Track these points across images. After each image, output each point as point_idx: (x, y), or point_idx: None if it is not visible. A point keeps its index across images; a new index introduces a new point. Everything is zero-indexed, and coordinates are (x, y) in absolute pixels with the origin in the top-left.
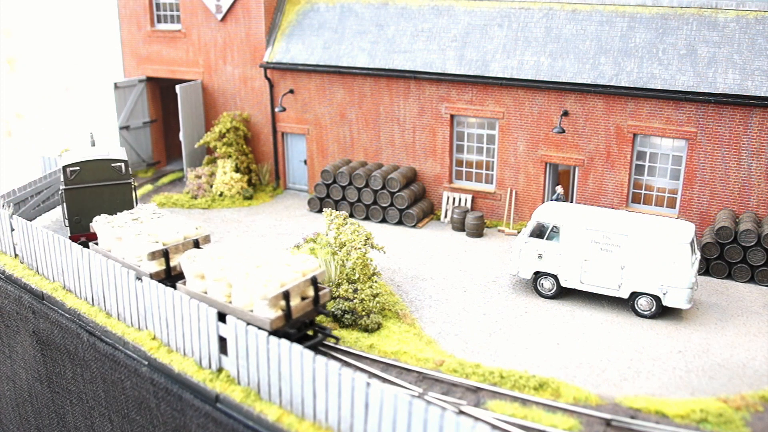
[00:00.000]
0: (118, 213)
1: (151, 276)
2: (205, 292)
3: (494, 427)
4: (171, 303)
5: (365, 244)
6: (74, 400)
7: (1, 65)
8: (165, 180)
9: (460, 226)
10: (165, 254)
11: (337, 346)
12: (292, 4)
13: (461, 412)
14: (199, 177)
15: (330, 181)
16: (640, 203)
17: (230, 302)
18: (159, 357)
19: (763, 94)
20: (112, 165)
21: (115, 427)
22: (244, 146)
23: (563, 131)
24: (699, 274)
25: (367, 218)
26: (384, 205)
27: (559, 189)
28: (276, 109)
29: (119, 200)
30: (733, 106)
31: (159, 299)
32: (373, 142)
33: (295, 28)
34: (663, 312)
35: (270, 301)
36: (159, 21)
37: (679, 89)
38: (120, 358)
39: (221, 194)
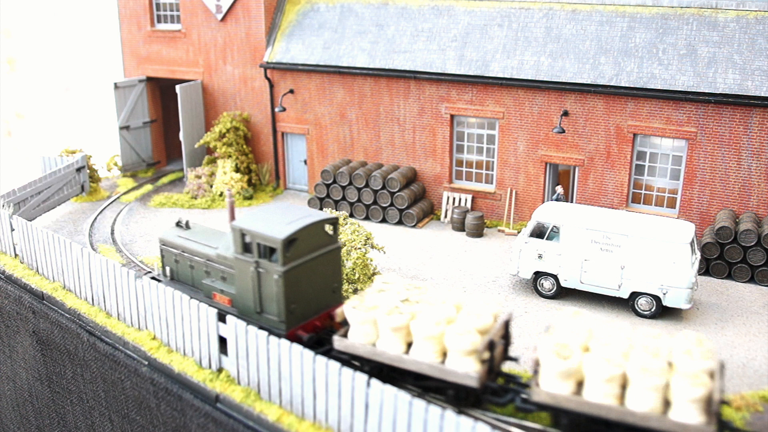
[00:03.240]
0: (365, 290)
1: (472, 379)
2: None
3: (494, 427)
4: (171, 303)
5: (365, 244)
6: (74, 400)
7: (1, 65)
8: (165, 180)
9: (460, 226)
10: (491, 346)
11: None
12: (292, 4)
13: (461, 412)
14: (199, 177)
15: (330, 181)
16: (640, 203)
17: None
18: (159, 357)
19: (763, 94)
20: (325, 226)
21: (115, 427)
22: (244, 146)
23: (563, 131)
24: (699, 274)
25: (367, 218)
26: (384, 205)
27: (559, 189)
28: (276, 109)
29: (330, 271)
30: (733, 106)
31: (159, 299)
32: (373, 142)
33: (295, 28)
34: (663, 312)
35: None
36: (159, 21)
37: (679, 89)
38: (120, 358)
39: (221, 194)
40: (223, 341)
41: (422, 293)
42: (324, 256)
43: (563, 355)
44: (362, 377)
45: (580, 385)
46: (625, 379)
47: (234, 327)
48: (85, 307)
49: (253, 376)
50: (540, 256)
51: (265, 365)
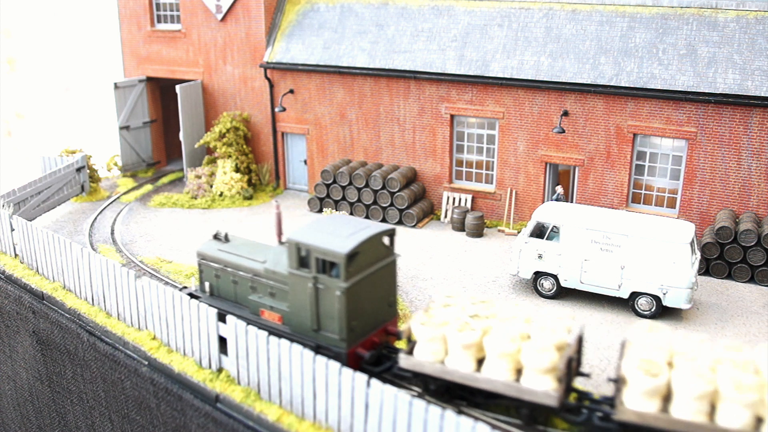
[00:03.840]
0: (434, 303)
1: (551, 398)
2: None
3: (494, 427)
4: (171, 303)
5: None
6: (74, 399)
7: (1, 65)
8: (165, 180)
9: (460, 226)
10: (569, 363)
11: None
12: (292, 4)
13: (461, 412)
14: (199, 177)
15: (330, 181)
16: (640, 203)
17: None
18: (159, 357)
19: (763, 94)
20: (384, 238)
21: (116, 427)
22: (244, 146)
23: (563, 131)
24: (699, 274)
25: (367, 218)
26: (384, 205)
27: (559, 189)
28: (276, 109)
29: (387, 284)
30: (733, 106)
31: (159, 299)
32: (373, 142)
33: (295, 28)
34: (663, 312)
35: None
36: (159, 21)
37: (679, 89)
38: (120, 358)
39: (221, 194)
40: (223, 341)
41: (489, 307)
42: (382, 269)
43: (651, 372)
44: (362, 377)
45: (665, 402)
46: (716, 395)
47: (234, 327)
48: (85, 307)
49: (253, 376)
50: (540, 256)
51: (265, 365)
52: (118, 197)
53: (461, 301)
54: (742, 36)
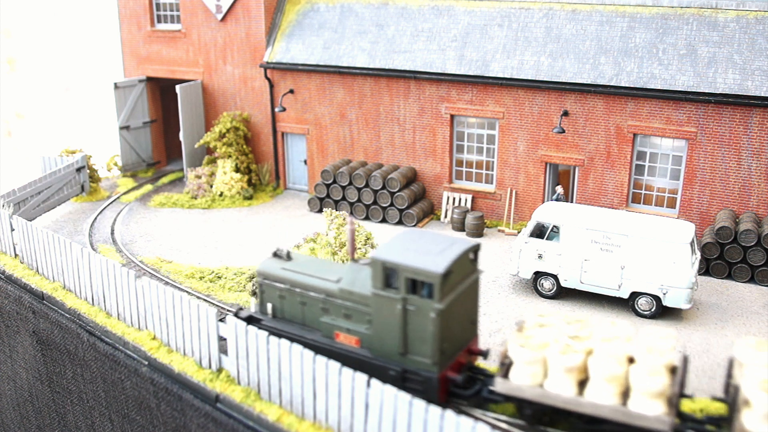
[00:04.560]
0: (526, 322)
1: (663, 424)
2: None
3: (494, 427)
4: (171, 303)
5: (365, 244)
6: (74, 399)
7: (1, 65)
8: (165, 180)
9: (460, 226)
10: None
11: None
12: (292, 4)
13: (461, 412)
14: (199, 177)
15: (330, 181)
16: (640, 203)
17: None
18: (159, 357)
19: (763, 94)
20: (471, 255)
21: (116, 427)
22: (244, 146)
23: (563, 131)
24: (699, 274)
25: (367, 218)
26: (384, 205)
27: (559, 189)
28: (276, 109)
29: (471, 302)
30: (733, 106)
31: (159, 299)
32: (373, 142)
33: (295, 28)
34: (663, 312)
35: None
36: (159, 21)
37: (679, 89)
38: (120, 358)
39: (221, 194)
40: (223, 341)
41: (585, 327)
42: (469, 286)
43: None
44: (362, 377)
45: None
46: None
47: (234, 327)
48: (85, 307)
49: (253, 376)
50: (540, 256)
51: (265, 365)
52: (118, 197)
53: (554, 320)
54: (742, 36)
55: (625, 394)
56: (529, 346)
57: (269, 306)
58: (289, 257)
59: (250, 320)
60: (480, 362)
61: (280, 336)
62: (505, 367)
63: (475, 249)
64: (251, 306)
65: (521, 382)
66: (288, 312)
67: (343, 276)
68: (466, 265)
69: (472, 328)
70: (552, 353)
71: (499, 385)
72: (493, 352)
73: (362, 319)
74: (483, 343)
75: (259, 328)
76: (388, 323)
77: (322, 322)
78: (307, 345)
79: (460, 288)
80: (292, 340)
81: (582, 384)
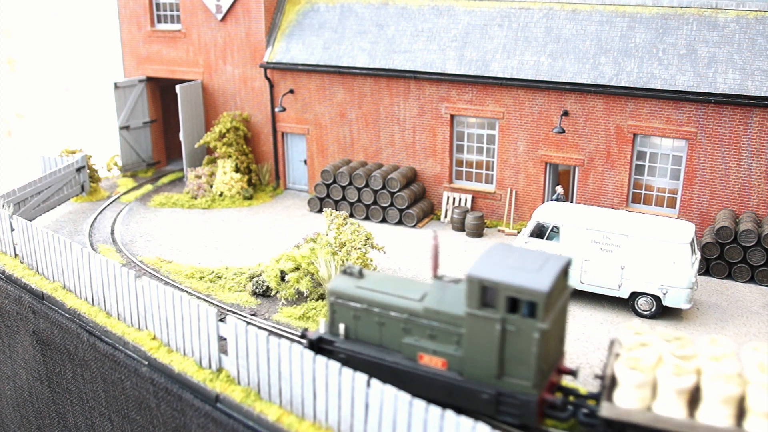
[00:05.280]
0: (623, 340)
1: None
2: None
3: (494, 427)
4: (171, 303)
5: (365, 244)
6: (74, 400)
7: (1, 65)
8: (165, 180)
9: (460, 226)
10: None
11: None
12: (292, 4)
13: (461, 412)
14: (199, 177)
15: (330, 181)
16: (640, 203)
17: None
18: (159, 357)
19: (763, 94)
20: (565, 271)
21: (116, 427)
22: (244, 146)
23: (563, 131)
24: (699, 274)
25: (367, 218)
26: (384, 205)
27: (559, 189)
28: (276, 109)
29: (562, 320)
30: (733, 106)
31: (159, 299)
32: (373, 142)
33: (295, 28)
34: (663, 312)
35: None
36: (159, 21)
37: (679, 89)
38: (120, 358)
39: (221, 194)
40: (223, 341)
41: (685, 344)
42: (563, 304)
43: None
44: (362, 377)
45: None
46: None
47: (234, 327)
48: (85, 307)
49: (253, 376)
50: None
51: (265, 365)
52: (118, 197)
53: (651, 337)
54: (742, 36)
55: (740, 416)
56: (639, 368)
57: (341, 327)
58: (361, 275)
59: (320, 342)
60: (565, 381)
61: (357, 359)
62: (607, 388)
63: (568, 264)
64: (320, 327)
65: (629, 405)
66: (363, 333)
67: (427, 294)
68: (561, 282)
69: (560, 346)
70: (664, 374)
71: (606, 410)
72: None
73: (450, 340)
74: None
75: (331, 350)
76: (483, 344)
77: (403, 344)
78: (387, 368)
79: (557, 306)
80: (370, 363)
81: (690, 406)
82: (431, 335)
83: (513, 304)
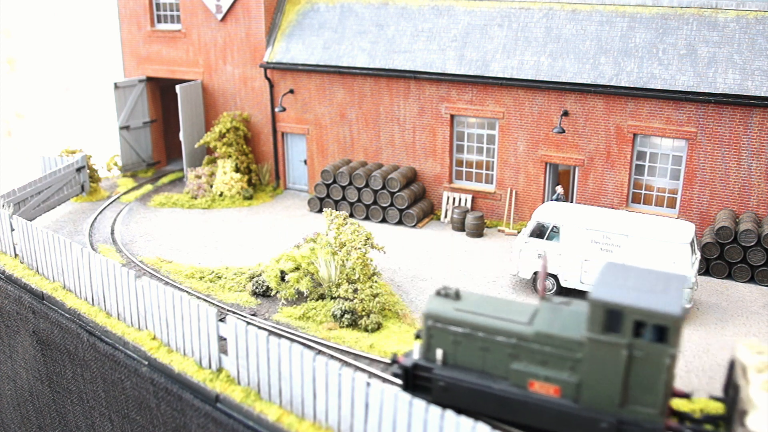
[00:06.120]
0: (745, 367)
1: None
2: None
3: (494, 427)
4: (171, 303)
5: (365, 244)
6: (74, 399)
7: (1, 65)
8: (165, 180)
9: (460, 226)
10: None
11: None
12: (292, 4)
13: (461, 412)
14: (199, 177)
15: (330, 181)
16: (640, 203)
17: None
18: (159, 357)
19: (763, 94)
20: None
21: (116, 427)
22: (244, 146)
23: (563, 131)
24: (699, 274)
25: (367, 218)
26: (384, 205)
27: (559, 189)
28: (276, 109)
29: None
30: (733, 106)
31: (159, 299)
32: (373, 142)
33: (295, 28)
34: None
35: None
36: (159, 21)
37: (679, 89)
38: (120, 358)
39: (221, 194)
40: (223, 341)
41: None
42: None
43: None
44: (362, 377)
45: None
46: None
47: (234, 327)
48: (85, 307)
49: (253, 376)
50: (540, 256)
51: (265, 365)
52: (118, 197)
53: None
54: (742, 36)
55: None
56: None
57: (439, 352)
58: (457, 296)
59: (416, 368)
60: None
61: (459, 387)
62: (739, 413)
63: (686, 283)
64: (414, 352)
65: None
66: (463, 359)
67: (536, 317)
68: None
69: None
70: None
71: None
72: None
73: (563, 366)
74: None
75: (430, 379)
76: (605, 370)
77: (511, 370)
78: (494, 396)
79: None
80: (474, 391)
81: None
82: (542, 361)
83: (643, 329)
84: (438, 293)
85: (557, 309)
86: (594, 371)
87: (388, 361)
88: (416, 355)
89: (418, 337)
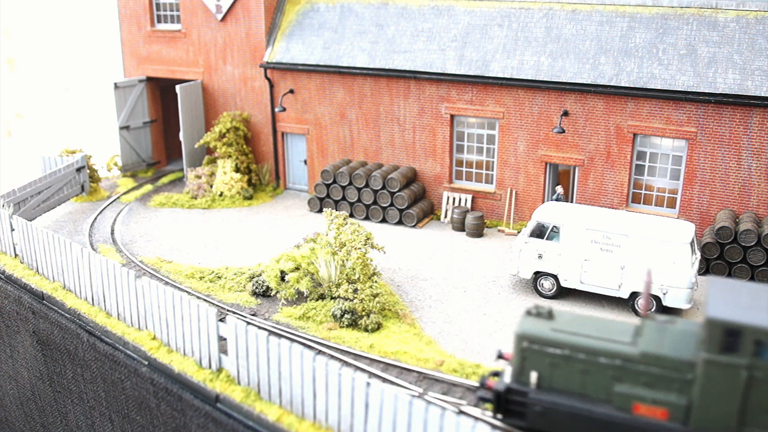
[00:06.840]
0: None
1: None
2: None
3: (494, 427)
4: (171, 303)
5: (365, 244)
6: (75, 399)
7: (1, 65)
8: (165, 180)
9: (460, 226)
10: None
11: None
12: (292, 4)
13: (461, 412)
14: (199, 177)
15: (330, 181)
16: (640, 203)
17: None
18: (159, 357)
19: (763, 94)
20: None
21: (116, 427)
22: (244, 146)
23: (563, 131)
24: (699, 274)
25: (367, 218)
26: (384, 205)
27: (559, 189)
28: (276, 109)
29: None
30: (733, 106)
31: (159, 299)
32: (373, 142)
33: (295, 28)
34: (663, 312)
35: None
36: (159, 21)
37: (679, 89)
38: (120, 358)
39: (221, 194)
40: (223, 341)
41: None
42: None
43: None
44: (362, 377)
45: None
46: None
47: (234, 327)
48: (85, 307)
49: (253, 376)
50: (540, 256)
51: (265, 365)
52: (118, 197)
53: None
54: (742, 36)
55: None
56: None
57: (533, 375)
58: (550, 315)
59: (509, 393)
60: None
61: (558, 412)
62: None
63: None
64: (506, 376)
65: None
66: (560, 382)
67: (639, 336)
68: None
69: None
70: None
71: None
72: (494, 352)
73: (671, 387)
74: (481, 343)
75: (525, 404)
76: (721, 392)
77: (615, 393)
78: (597, 421)
79: None
80: (576, 416)
81: None
82: (648, 383)
83: (758, 349)
84: (529, 312)
85: (665, 328)
86: (708, 393)
87: (476, 384)
88: (507, 379)
89: (500, 357)
